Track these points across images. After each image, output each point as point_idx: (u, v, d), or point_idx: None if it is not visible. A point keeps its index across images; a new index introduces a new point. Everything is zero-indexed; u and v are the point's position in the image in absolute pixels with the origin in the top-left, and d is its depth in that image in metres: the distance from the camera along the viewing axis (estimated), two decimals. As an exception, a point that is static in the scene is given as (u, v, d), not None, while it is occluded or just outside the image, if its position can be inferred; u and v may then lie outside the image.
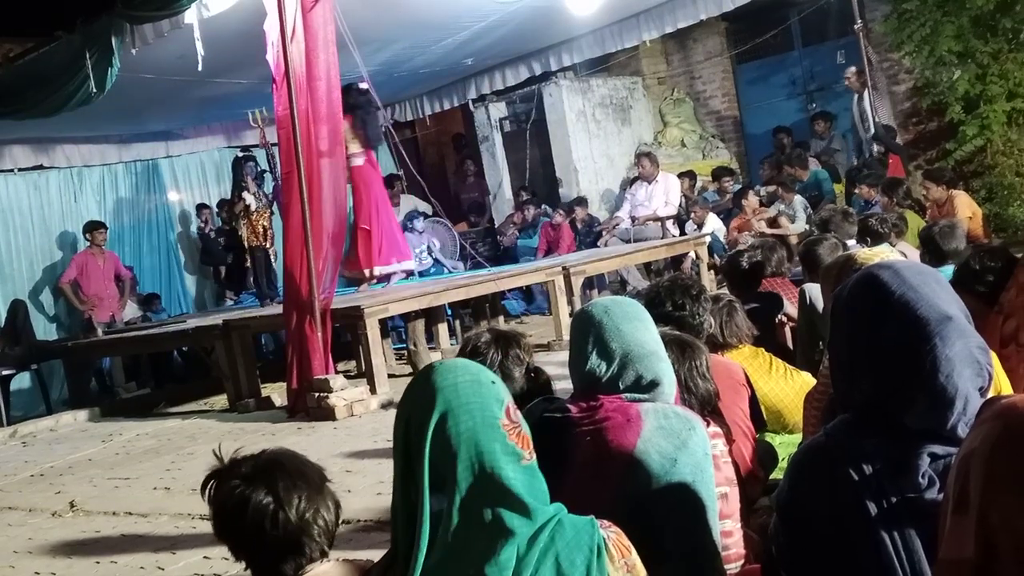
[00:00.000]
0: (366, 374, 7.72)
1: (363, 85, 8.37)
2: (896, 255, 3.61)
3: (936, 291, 1.76)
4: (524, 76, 12.60)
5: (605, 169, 13.37)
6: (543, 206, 12.75)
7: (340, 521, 1.99)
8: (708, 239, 10.80)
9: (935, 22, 10.44)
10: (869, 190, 9.35)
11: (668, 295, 3.60)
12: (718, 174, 12.45)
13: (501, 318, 10.32)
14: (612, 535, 1.81)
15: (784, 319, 5.46)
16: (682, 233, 11.48)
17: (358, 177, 8.73)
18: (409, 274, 9.58)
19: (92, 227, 11.23)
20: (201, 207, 12.51)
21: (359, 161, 8.72)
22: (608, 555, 1.76)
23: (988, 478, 1.34)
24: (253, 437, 6.70)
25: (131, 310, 11.66)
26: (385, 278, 9.04)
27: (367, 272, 8.89)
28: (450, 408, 1.73)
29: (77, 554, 4.70)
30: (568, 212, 12.30)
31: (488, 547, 1.68)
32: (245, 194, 10.18)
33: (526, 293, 11.83)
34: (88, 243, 11.24)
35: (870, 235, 6.38)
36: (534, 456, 1.77)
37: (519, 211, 13.05)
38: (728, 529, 2.39)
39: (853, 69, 11.16)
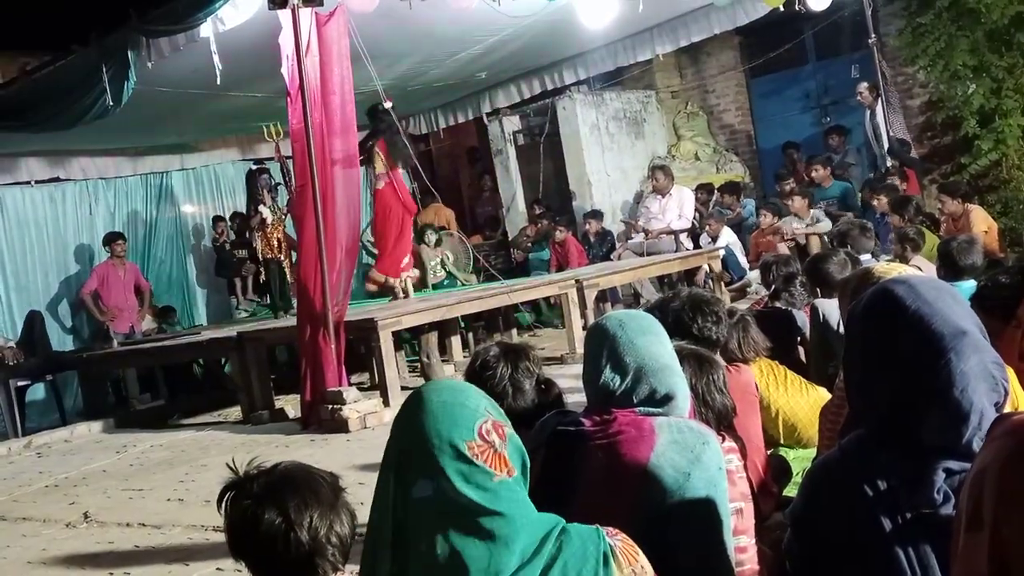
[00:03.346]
0: (379, 386, 7.72)
1: (387, 104, 8.33)
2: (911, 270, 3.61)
3: (951, 306, 1.76)
4: (538, 90, 12.63)
5: (619, 182, 13.36)
6: (556, 219, 12.76)
7: (356, 533, 1.95)
8: (722, 252, 10.77)
9: (950, 36, 10.42)
10: (884, 200, 9.31)
11: (685, 309, 3.58)
12: (722, 190, 12.42)
13: (514, 331, 10.32)
14: (619, 543, 1.80)
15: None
16: (696, 246, 11.46)
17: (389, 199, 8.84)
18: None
19: (111, 239, 11.28)
20: (217, 219, 12.54)
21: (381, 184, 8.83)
22: (616, 563, 1.75)
23: (1001, 495, 1.33)
24: (266, 449, 6.70)
25: (146, 322, 11.69)
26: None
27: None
28: (413, 444, 1.72)
29: (91, 565, 4.71)
30: (569, 226, 12.28)
31: (475, 565, 1.66)
32: (261, 207, 10.23)
33: (533, 306, 11.81)
34: (108, 254, 11.30)
35: None
36: (513, 472, 1.74)
37: (533, 224, 13.07)
38: (743, 545, 2.38)
39: (865, 85, 11.13)
